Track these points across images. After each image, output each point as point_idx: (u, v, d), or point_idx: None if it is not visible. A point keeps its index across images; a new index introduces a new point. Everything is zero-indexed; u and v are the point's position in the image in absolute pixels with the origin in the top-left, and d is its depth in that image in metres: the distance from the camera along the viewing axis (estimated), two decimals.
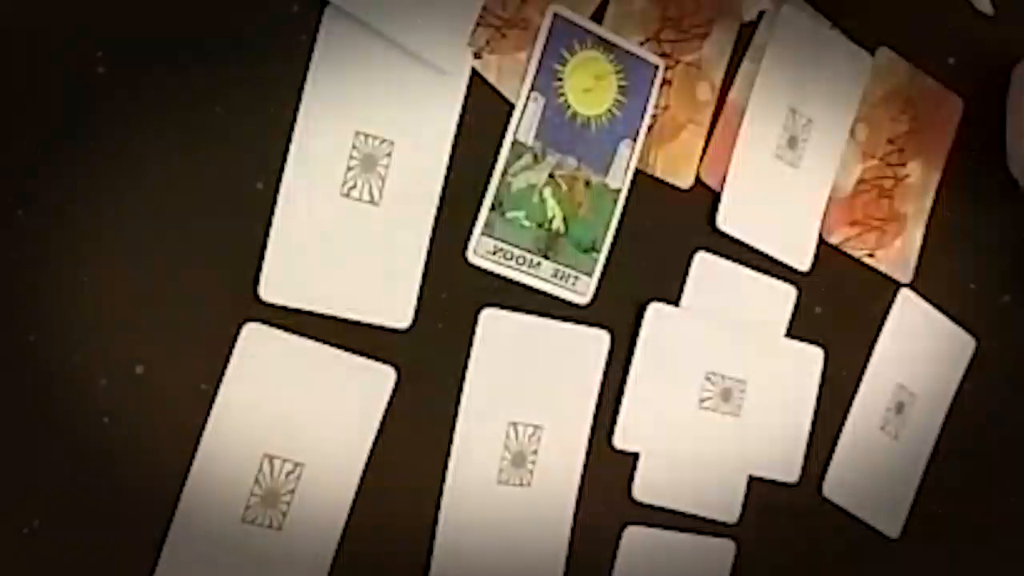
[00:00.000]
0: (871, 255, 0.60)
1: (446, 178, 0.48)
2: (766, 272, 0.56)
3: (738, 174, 0.54)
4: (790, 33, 0.55)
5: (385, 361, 0.47)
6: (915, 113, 0.60)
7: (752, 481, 0.57)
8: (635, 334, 0.53)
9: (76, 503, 0.42)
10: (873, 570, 0.62)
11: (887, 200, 0.60)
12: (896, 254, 0.61)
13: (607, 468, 0.53)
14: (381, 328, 0.47)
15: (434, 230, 0.48)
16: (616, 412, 0.52)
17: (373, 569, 0.48)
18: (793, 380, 0.58)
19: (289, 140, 0.45)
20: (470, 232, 0.49)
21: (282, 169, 0.45)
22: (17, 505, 0.41)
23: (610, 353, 0.52)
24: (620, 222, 0.52)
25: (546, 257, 0.50)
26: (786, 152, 0.56)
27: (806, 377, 0.58)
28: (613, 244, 0.52)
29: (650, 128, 0.52)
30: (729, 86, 0.55)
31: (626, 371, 0.52)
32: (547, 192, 0.50)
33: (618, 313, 0.52)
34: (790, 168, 0.56)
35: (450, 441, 0.49)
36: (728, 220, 0.54)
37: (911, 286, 0.61)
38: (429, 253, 0.48)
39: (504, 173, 0.49)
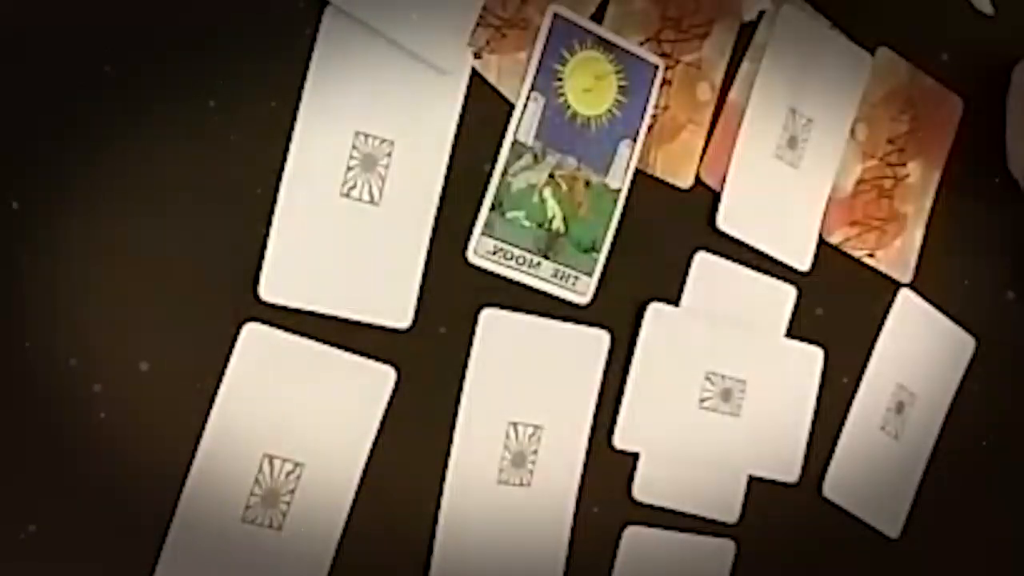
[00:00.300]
0: (871, 255, 0.60)
1: (446, 178, 0.48)
2: (766, 272, 0.56)
3: (738, 174, 0.54)
4: (790, 33, 0.55)
5: (385, 361, 0.47)
6: (915, 113, 0.60)
7: (752, 481, 0.57)
8: (635, 334, 0.53)
9: (76, 504, 0.42)
10: (873, 570, 0.62)
11: (887, 200, 0.60)
12: (896, 254, 0.61)
13: (607, 468, 0.53)
14: (381, 328, 0.47)
15: (434, 230, 0.48)
16: (616, 412, 0.52)
17: (373, 569, 0.48)
18: (793, 380, 0.58)
19: (289, 140, 0.45)
20: (470, 232, 0.49)
21: (282, 169, 0.45)
22: (16, 506, 0.41)
23: (610, 353, 0.52)
24: (620, 222, 0.52)
25: (546, 257, 0.50)
26: (786, 152, 0.56)
27: (806, 377, 0.58)
28: (613, 244, 0.52)
29: (650, 128, 0.52)
30: (729, 86, 0.55)
31: (626, 371, 0.52)
32: (547, 192, 0.50)
33: (618, 313, 0.52)
34: (790, 168, 0.56)
35: (450, 441, 0.49)
36: (728, 220, 0.54)
37: (911, 286, 0.61)
38: (429, 253, 0.48)
39: (504, 173, 0.49)
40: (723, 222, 0.54)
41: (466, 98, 0.48)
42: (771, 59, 0.55)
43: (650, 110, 0.52)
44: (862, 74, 0.58)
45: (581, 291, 0.51)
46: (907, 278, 0.61)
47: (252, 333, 0.44)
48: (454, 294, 0.48)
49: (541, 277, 0.50)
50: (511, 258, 0.50)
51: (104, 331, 0.42)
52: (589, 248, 0.51)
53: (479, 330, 0.49)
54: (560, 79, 0.50)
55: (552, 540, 0.51)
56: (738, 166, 0.54)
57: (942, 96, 0.62)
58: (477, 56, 0.48)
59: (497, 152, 0.49)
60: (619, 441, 0.53)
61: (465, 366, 0.49)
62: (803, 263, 0.57)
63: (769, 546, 0.58)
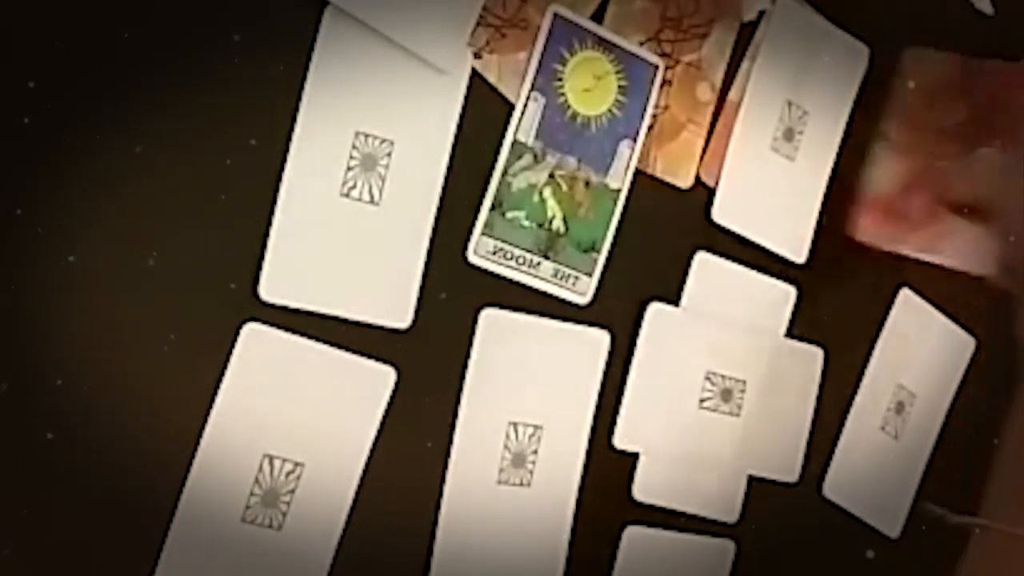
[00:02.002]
0: (876, 251, 0.60)
1: (446, 178, 0.48)
2: (766, 272, 0.56)
3: (734, 167, 0.54)
4: (786, 26, 0.55)
5: (385, 361, 0.47)
6: (972, 101, 0.60)
7: (752, 481, 0.57)
8: (635, 334, 0.53)
9: (76, 503, 0.42)
10: (873, 570, 0.62)
11: (933, 197, 0.60)
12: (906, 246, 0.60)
13: (607, 468, 0.53)
14: (381, 328, 0.47)
15: (434, 230, 0.48)
16: (616, 412, 0.52)
17: (373, 569, 0.48)
18: (793, 380, 0.58)
19: (289, 140, 0.45)
20: (470, 232, 0.49)
21: (282, 169, 0.45)
22: (15, 505, 0.41)
23: (610, 353, 0.52)
24: (620, 222, 0.52)
25: (546, 257, 0.50)
26: (782, 144, 0.56)
27: (806, 377, 0.58)
28: (613, 244, 0.52)
29: (650, 128, 0.52)
30: (729, 86, 0.55)
31: (626, 371, 0.52)
32: (547, 192, 0.50)
33: (618, 313, 0.52)
34: (787, 160, 0.56)
35: (450, 441, 0.49)
36: (723, 213, 0.54)
37: (911, 286, 0.61)
38: (429, 253, 0.48)
39: (504, 173, 0.49)
40: (718, 215, 0.54)
41: (466, 98, 0.48)
42: (767, 52, 0.55)
43: (650, 110, 0.52)
44: (859, 66, 0.58)
45: (581, 291, 0.51)
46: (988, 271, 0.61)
47: (252, 333, 0.44)
48: (454, 294, 0.48)
49: (541, 277, 0.50)
50: (511, 258, 0.50)
51: (104, 331, 0.42)
52: (589, 248, 0.51)
53: (479, 330, 0.49)
54: (560, 79, 0.50)
55: (552, 540, 0.51)
56: (734, 159, 0.54)
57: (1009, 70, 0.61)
58: (477, 56, 0.48)
59: (497, 152, 0.49)
60: (619, 441, 0.53)
61: (465, 366, 0.49)
62: (799, 255, 0.57)
63: (769, 546, 0.58)
